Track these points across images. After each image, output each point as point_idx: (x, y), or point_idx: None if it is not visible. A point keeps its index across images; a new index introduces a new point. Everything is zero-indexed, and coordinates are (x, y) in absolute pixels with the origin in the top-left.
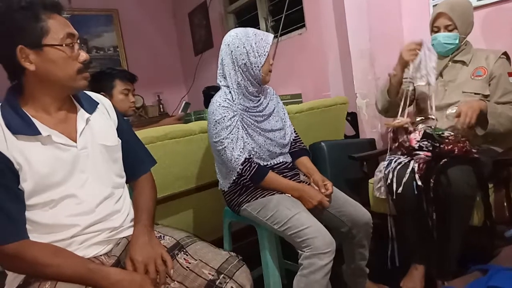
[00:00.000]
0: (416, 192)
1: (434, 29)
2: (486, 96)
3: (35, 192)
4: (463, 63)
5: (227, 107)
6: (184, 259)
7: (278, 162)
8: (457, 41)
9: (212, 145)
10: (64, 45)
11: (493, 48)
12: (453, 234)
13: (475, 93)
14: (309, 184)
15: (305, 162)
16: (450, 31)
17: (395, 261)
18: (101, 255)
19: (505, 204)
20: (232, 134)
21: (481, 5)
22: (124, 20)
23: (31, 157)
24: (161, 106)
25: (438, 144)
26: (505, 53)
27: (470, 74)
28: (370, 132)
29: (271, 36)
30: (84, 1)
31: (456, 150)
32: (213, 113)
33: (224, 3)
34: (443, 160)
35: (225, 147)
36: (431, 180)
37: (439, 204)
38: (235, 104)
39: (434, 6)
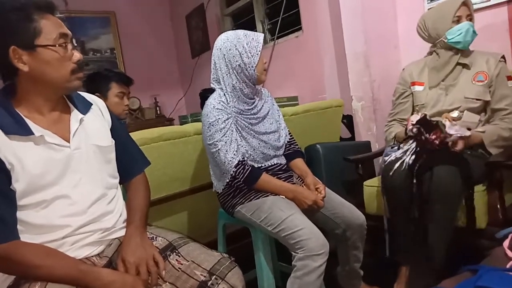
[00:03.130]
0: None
1: (454, 19)
2: (487, 102)
3: (27, 193)
4: (465, 65)
5: (221, 109)
6: (176, 260)
7: (272, 164)
8: (476, 34)
9: (206, 147)
10: (57, 45)
11: (489, 51)
12: (438, 234)
13: (476, 99)
14: (302, 186)
15: (299, 164)
16: (469, 21)
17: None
18: (92, 256)
19: (498, 206)
20: (226, 136)
21: (476, 9)
22: (121, 22)
23: (24, 158)
24: (157, 108)
25: (427, 134)
26: (503, 57)
27: (471, 78)
28: (365, 134)
29: (261, 35)
30: (81, 3)
31: (438, 141)
32: (207, 115)
33: (221, 6)
34: (424, 156)
35: (218, 149)
36: (414, 179)
37: (424, 202)
38: (229, 106)
39: (429, 9)
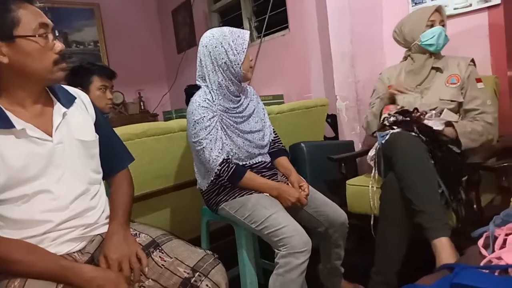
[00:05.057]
0: None
1: (429, 23)
2: (460, 103)
3: (8, 187)
4: (438, 69)
5: (206, 107)
6: (160, 257)
7: (257, 162)
8: (448, 38)
9: (191, 145)
10: (37, 35)
11: (466, 55)
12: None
13: (451, 100)
14: (286, 183)
15: (283, 162)
16: (442, 26)
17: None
18: (74, 252)
19: (474, 206)
20: (211, 134)
21: (457, 14)
22: (106, 14)
23: (4, 151)
24: (142, 103)
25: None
26: (472, 60)
27: (444, 81)
28: (349, 134)
29: (247, 32)
30: None
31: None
32: (192, 113)
33: (208, 2)
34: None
35: (203, 147)
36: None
37: None
38: (215, 104)
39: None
